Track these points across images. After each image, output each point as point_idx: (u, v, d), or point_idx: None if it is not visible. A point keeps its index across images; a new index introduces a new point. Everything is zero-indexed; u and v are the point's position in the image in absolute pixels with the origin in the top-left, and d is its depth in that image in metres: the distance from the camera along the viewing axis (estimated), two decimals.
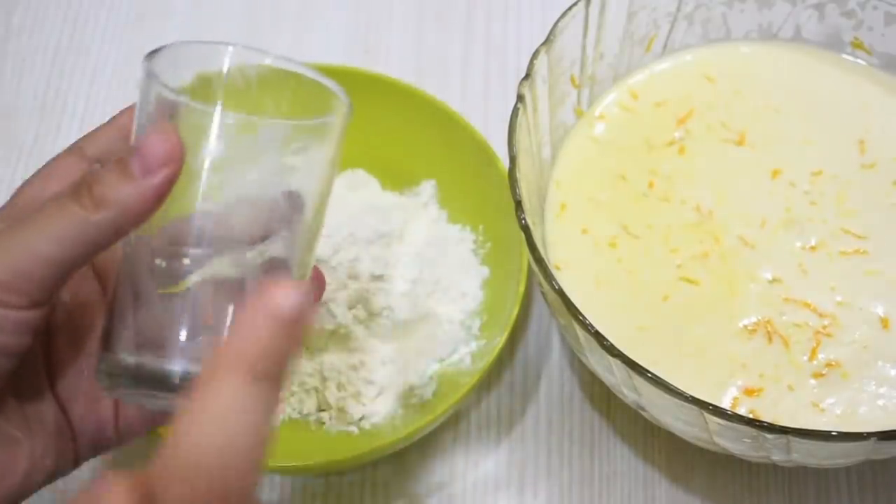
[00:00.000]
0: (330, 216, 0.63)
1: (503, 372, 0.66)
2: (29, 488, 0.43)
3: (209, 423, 0.31)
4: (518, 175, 0.55)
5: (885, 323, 0.57)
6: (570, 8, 0.60)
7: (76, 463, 0.46)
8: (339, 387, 0.62)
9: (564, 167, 0.63)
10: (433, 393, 0.62)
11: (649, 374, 0.49)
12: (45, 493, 0.46)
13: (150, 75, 0.42)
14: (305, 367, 0.62)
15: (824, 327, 0.57)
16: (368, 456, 0.58)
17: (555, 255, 0.60)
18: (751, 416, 0.54)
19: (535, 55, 0.58)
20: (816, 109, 0.64)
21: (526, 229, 0.53)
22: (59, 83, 0.77)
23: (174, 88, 0.41)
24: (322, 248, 0.61)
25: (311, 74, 0.43)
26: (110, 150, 0.46)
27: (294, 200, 0.43)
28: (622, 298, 0.59)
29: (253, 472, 0.32)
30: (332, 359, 0.62)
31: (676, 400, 0.49)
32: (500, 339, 0.59)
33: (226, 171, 0.41)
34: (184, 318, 0.41)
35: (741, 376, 0.56)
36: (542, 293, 0.57)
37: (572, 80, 0.63)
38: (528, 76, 0.58)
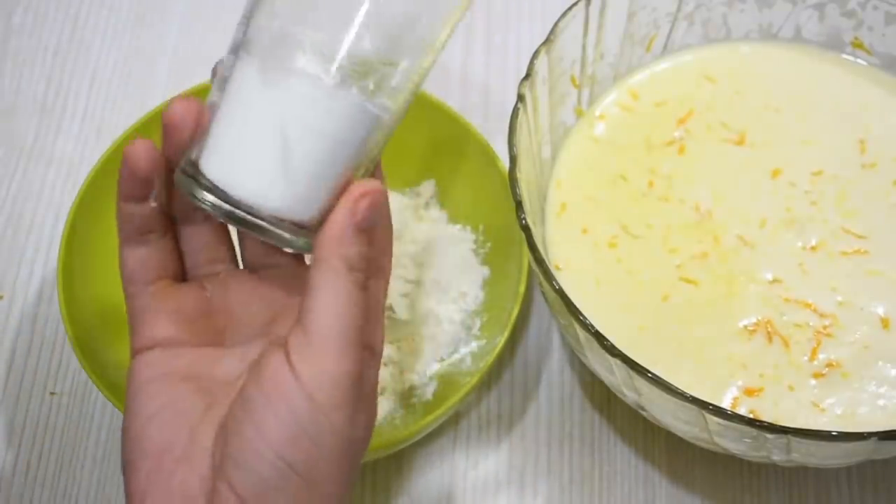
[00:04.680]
0: None
1: (503, 372, 0.66)
2: None
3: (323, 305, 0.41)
4: (518, 175, 0.55)
5: (885, 323, 0.57)
6: (570, 8, 0.60)
7: None
8: None
9: (565, 167, 0.63)
10: (433, 393, 0.62)
11: (649, 374, 0.49)
12: None
13: None
14: None
15: (825, 327, 0.57)
16: (368, 456, 0.58)
17: (555, 255, 0.60)
18: (751, 416, 0.54)
19: (535, 55, 0.58)
20: (816, 109, 0.64)
21: (526, 229, 0.53)
22: (59, 83, 0.77)
23: None
24: None
25: None
26: None
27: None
28: (622, 298, 0.58)
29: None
30: None
31: (676, 400, 0.49)
32: (501, 339, 0.59)
33: None
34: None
35: (741, 376, 0.56)
36: (543, 293, 0.57)
37: (572, 80, 0.63)
38: (528, 76, 0.58)
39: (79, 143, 0.75)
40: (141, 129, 0.65)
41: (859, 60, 0.66)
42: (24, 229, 0.71)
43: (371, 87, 0.42)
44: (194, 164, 0.43)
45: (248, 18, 0.43)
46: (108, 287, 0.63)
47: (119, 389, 0.58)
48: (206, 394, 0.44)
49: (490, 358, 0.58)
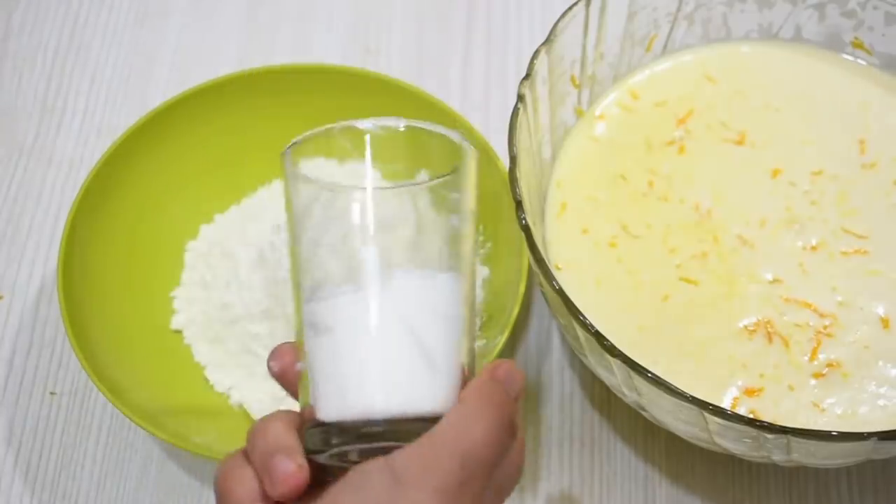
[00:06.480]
0: None
1: None
2: None
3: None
4: (518, 175, 0.55)
5: (885, 323, 0.57)
6: (570, 8, 0.60)
7: None
8: None
9: (565, 167, 0.63)
10: None
11: (649, 374, 0.49)
12: None
13: (293, 175, 0.43)
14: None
15: (825, 327, 0.57)
16: None
17: (555, 255, 0.60)
18: (751, 416, 0.54)
19: (535, 55, 0.58)
20: (816, 109, 0.64)
21: (526, 229, 0.53)
22: (59, 83, 0.77)
23: (317, 178, 0.42)
24: None
25: (434, 130, 0.43)
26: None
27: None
28: (622, 298, 0.58)
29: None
30: None
31: (676, 400, 0.49)
32: (500, 339, 0.59)
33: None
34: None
35: (741, 376, 0.56)
36: (543, 293, 0.57)
37: (572, 80, 0.63)
38: (528, 76, 0.58)
39: (79, 142, 0.75)
40: (141, 129, 0.65)
41: (859, 60, 0.66)
42: (24, 229, 0.71)
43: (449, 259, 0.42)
44: (327, 432, 0.41)
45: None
46: (108, 287, 0.63)
47: (119, 389, 0.58)
48: None
49: (490, 358, 0.58)
